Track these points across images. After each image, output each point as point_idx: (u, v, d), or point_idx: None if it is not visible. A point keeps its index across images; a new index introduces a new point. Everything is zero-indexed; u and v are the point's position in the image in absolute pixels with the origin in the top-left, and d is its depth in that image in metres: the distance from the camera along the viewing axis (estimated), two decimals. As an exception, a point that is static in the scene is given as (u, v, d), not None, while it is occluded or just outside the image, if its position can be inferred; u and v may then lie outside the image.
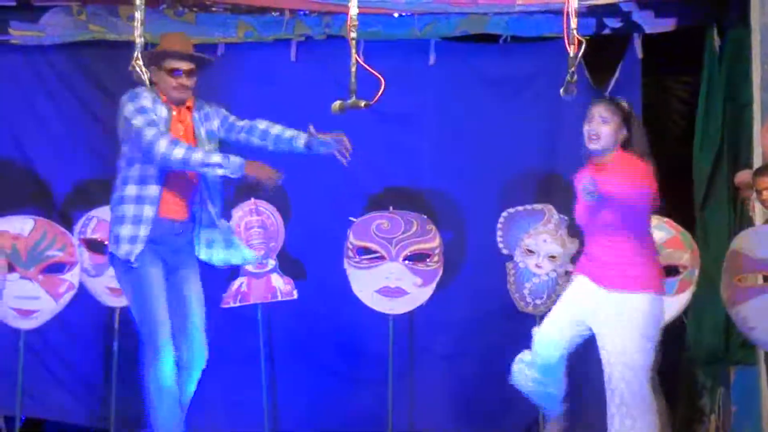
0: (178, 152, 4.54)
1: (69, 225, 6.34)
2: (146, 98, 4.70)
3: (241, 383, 6.50)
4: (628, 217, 4.67)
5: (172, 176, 4.71)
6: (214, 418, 6.45)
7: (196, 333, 4.88)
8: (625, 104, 4.80)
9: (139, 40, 4.71)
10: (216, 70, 6.56)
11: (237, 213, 6.43)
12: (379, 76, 4.40)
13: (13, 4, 6.48)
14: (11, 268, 6.06)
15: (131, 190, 4.67)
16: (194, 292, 4.92)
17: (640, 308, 4.65)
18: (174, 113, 4.81)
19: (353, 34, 4.56)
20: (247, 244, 6.35)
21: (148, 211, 4.66)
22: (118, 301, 6.19)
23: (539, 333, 4.88)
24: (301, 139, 4.94)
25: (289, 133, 5.00)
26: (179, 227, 4.80)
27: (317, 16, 6.51)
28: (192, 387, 4.90)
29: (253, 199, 6.46)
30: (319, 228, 6.60)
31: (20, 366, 6.16)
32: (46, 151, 6.62)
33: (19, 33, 6.49)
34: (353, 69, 4.54)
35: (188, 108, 4.88)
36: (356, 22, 4.54)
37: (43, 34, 6.52)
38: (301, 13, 6.50)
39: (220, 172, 4.61)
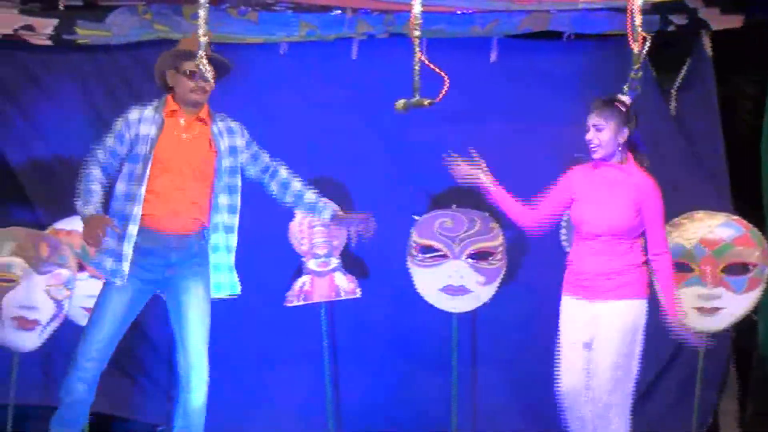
0: (82, 173, 4.82)
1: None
2: (124, 118, 4.88)
3: (305, 382, 6.52)
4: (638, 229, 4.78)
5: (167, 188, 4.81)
6: (277, 418, 6.47)
7: (193, 346, 4.88)
8: (620, 102, 4.75)
9: (203, 39, 4.72)
10: (278, 69, 6.65)
11: (299, 212, 6.44)
12: (443, 74, 4.38)
13: (80, 3, 6.55)
14: (81, 268, 6.11)
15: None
16: (194, 305, 4.92)
17: (638, 315, 4.66)
18: (182, 122, 4.87)
19: (416, 32, 4.54)
20: (310, 242, 6.37)
21: (132, 229, 4.77)
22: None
23: (564, 387, 4.88)
24: (326, 212, 5.12)
25: (311, 196, 5.12)
26: (175, 241, 4.84)
27: (379, 15, 6.49)
28: (196, 400, 4.89)
29: (316, 198, 6.47)
30: (382, 226, 6.57)
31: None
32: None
33: (85, 32, 6.54)
34: (417, 67, 4.51)
35: (201, 120, 4.89)
36: (419, 20, 4.52)
37: (109, 33, 6.56)
38: (363, 11, 6.49)
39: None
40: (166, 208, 4.83)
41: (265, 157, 5.15)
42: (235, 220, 5.07)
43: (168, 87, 5.00)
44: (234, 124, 5.08)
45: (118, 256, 4.79)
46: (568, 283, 5.06)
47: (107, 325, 4.83)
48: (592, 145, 4.88)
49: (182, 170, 4.88)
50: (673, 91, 6.54)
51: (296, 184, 5.17)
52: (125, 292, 4.82)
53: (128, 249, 4.77)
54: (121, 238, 4.76)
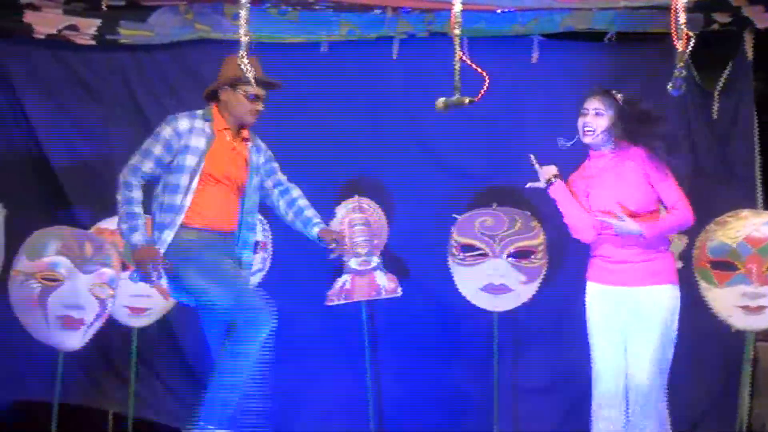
0: (117, 195, 4.75)
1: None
2: (173, 127, 4.79)
3: (346, 381, 6.53)
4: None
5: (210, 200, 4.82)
6: (319, 418, 6.49)
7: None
8: (620, 97, 4.75)
9: (244, 39, 4.74)
10: (318, 68, 6.65)
11: (340, 210, 6.46)
12: (484, 73, 4.36)
13: (123, 3, 6.60)
14: (124, 267, 6.14)
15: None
16: None
17: (674, 300, 4.64)
18: (232, 145, 4.87)
19: (457, 31, 4.53)
20: (351, 241, 6.39)
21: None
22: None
23: (597, 374, 4.84)
24: (314, 228, 5.10)
25: (309, 213, 5.13)
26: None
27: (420, 13, 6.49)
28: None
29: (356, 196, 6.49)
30: (422, 225, 6.59)
31: (132, 364, 6.28)
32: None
33: (128, 32, 6.59)
34: (457, 66, 4.50)
35: (244, 138, 4.93)
36: (460, 19, 4.51)
37: (152, 33, 6.61)
38: (404, 10, 6.49)
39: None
40: (206, 219, 4.83)
41: (280, 174, 5.19)
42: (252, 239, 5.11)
43: (214, 98, 4.97)
44: (260, 143, 5.12)
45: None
46: (596, 271, 5.01)
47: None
48: (587, 128, 4.88)
49: (225, 184, 4.90)
50: (716, 93, 6.48)
51: (301, 202, 5.18)
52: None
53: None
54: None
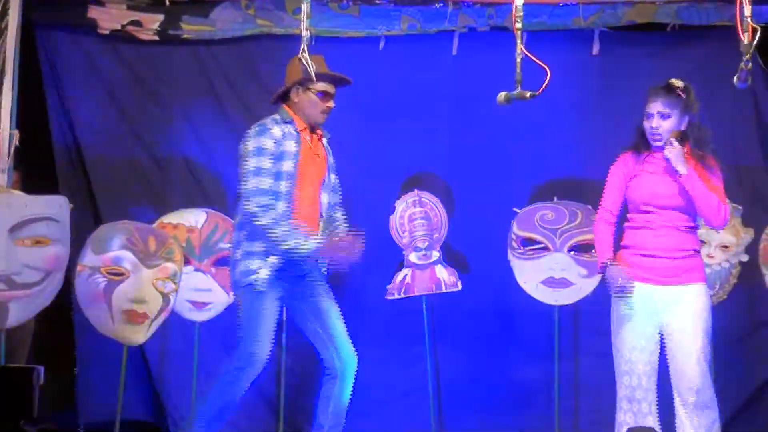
0: (264, 220, 4.62)
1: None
2: (270, 136, 4.72)
3: (407, 375, 6.54)
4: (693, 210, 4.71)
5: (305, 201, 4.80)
6: (381, 412, 6.50)
7: (343, 341, 4.86)
8: (681, 88, 4.64)
9: (305, 33, 4.75)
10: (378, 63, 6.66)
11: (400, 205, 6.46)
12: (545, 67, 4.34)
13: (185, -1, 6.68)
14: (186, 261, 6.22)
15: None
16: (329, 303, 4.92)
17: (703, 299, 4.65)
18: (309, 144, 4.85)
19: (518, 25, 4.52)
20: (411, 235, 6.39)
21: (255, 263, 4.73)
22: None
23: (627, 368, 4.78)
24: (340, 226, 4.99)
25: (339, 215, 5.08)
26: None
27: (481, 7, 6.46)
28: (348, 394, 4.88)
29: (416, 191, 6.48)
30: (482, 219, 6.58)
31: (195, 356, 6.31)
32: (218, 146, 6.77)
33: (190, 28, 6.65)
34: (518, 59, 4.49)
35: (320, 137, 4.90)
36: (521, 13, 4.49)
37: (213, 28, 6.66)
38: (465, 4, 6.47)
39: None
40: (302, 220, 4.83)
41: (334, 174, 5.12)
42: None
43: (284, 99, 4.94)
44: (327, 137, 5.10)
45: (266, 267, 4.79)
46: (627, 265, 4.90)
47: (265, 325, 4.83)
48: (654, 135, 4.78)
49: (315, 185, 4.90)
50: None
51: (337, 212, 5.14)
52: (270, 299, 4.81)
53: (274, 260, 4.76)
54: (266, 254, 4.75)
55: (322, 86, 4.81)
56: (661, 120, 4.73)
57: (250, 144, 4.73)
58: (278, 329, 6.40)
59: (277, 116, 4.85)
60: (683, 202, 4.76)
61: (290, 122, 4.83)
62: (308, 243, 4.66)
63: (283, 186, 4.74)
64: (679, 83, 4.79)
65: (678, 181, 4.72)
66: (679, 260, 4.78)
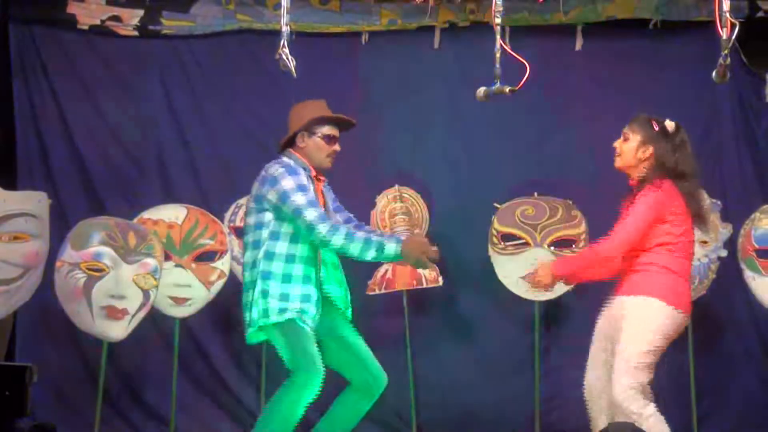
0: (337, 240, 4.49)
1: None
2: (302, 175, 4.62)
3: (387, 370, 6.52)
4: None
5: None
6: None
7: (372, 361, 4.81)
8: (657, 123, 4.59)
9: (285, 29, 4.74)
10: (359, 59, 6.66)
11: (381, 200, 6.46)
12: (525, 62, 4.34)
13: (164, -6, 6.66)
14: (167, 257, 6.20)
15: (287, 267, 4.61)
16: (348, 328, 4.86)
17: (638, 311, 4.51)
18: (319, 190, 4.75)
19: (498, 20, 4.51)
20: (392, 230, 6.39)
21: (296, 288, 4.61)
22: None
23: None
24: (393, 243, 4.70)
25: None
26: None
27: (461, 3, 6.49)
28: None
29: (397, 186, 6.49)
30: (463, 214, 6.58)
31: (175, 352, 6.31)
32: (196, 143, 6.77)
33: (170, 23, 6.65)
34: (498, 55, 4.49)
35: (320, 180, 4.82)
36: (501, 8, 4.49)
37: (193, 23, 6.67)
38: (445, -1, 6.51)
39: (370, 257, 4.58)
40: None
41: (344, 212, 4.97)
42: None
43: (290, 145, 4.78)
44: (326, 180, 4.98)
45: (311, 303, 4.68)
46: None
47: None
48: (615, 152, 4.76)
49: None
50: (767, 77, 6.42)
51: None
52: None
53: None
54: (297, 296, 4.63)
55: (327, 130, 4.72)
56: (622, 141, 4.70)
57: (290, 182, 4.57)
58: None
59: (290, 161, 4.70)
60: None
61: (306, 168, 4.71)
62: (389, 249, 4.53)
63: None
64: (668, 123, 4.70)
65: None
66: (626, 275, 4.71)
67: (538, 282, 4.66)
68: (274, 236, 4.59)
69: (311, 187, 4.63)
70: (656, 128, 4.58)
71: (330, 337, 4.73)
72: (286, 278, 4.58)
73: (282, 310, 4.55)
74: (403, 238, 4.61)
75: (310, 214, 4.51)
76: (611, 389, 4.51)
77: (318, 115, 4.68)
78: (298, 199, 4.53)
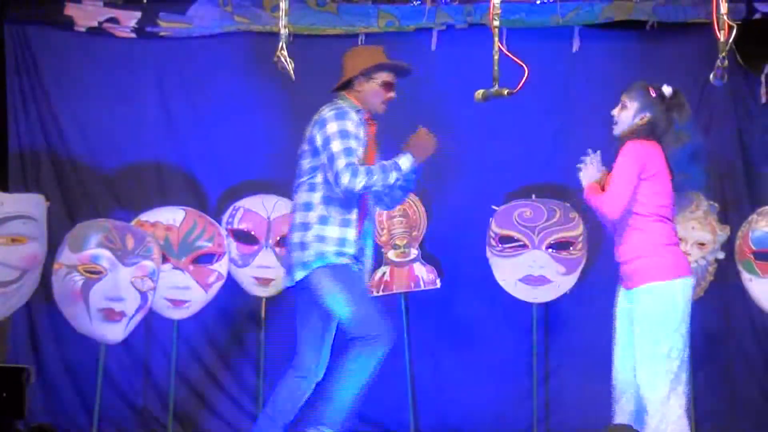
0: (360, 180, 4.48)
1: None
2: (352, 120, 4.62)
3: (384, 373, 6.51)
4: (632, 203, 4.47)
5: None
6: (358, 408, 6.48)
7: (328, 354, 4.82)
8: (655, 89, 4.59)
9: (283, 31, 4.74)
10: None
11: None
12: (523, 64, 4.35)
13: (162, -6, 6.66)
14: (164, 259, 6.19)
15: (335, 213, 4.61)
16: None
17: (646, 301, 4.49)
18: (371, 133, 4.76)
19: (496, 22, 4.52)
20: (389, 233, 6.39)
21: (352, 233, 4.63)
22: (265, 291, 6.31)
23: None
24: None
25: None
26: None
27: (459, 5, 6.50)
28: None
29: (394, 189, 6.48)
30: (461, 216, 6.58)
31: (173, 354, 6.31)
32: (193, 145, 6.77)
33: (167, 25, 6.64)
34: (496, 57, 4.49)
35: (372, 123, 4.82)
36: (499, 10, 4.50)
37: (191, 25, 6.66)
38: (443, 1, 6.49)
39: (395, 180, 4.61)
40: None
41: None
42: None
43: (344, 88, 4.79)
44: None
45: (360, 251, 4.71)
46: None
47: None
48: (613, 121, 4.75)
49: None
50: (763, 78, 6.42)
51: None
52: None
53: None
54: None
55: (385, 77, 4.74)
56: (620, 109, 4.70)
57: (334, 126, 4.59)
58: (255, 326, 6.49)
59: (343, 103, 4.72)
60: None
61: (360, 111, 4.72)
62: (403, 162, 4.62)
63: None
64: (660, 87, 4.70)
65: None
66: (630, 264, 4.70)
67: None
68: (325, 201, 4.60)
69: (360, 131, 4.63)
70: (653, 94, 4.58)
71: (317, 306, 4.67)
72: (345, 223, 4.60)
73: (339, 254, 4.56)
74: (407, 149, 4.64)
75: (340, 163, 4.51)
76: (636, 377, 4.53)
77: (378, 62, 4.70)
78: (335, 146, 4.54)
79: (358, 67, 4.72)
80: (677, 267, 4.51)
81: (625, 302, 4.64)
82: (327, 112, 4.63)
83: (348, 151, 4.54)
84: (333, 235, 4.57)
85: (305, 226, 4.60)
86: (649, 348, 4.45)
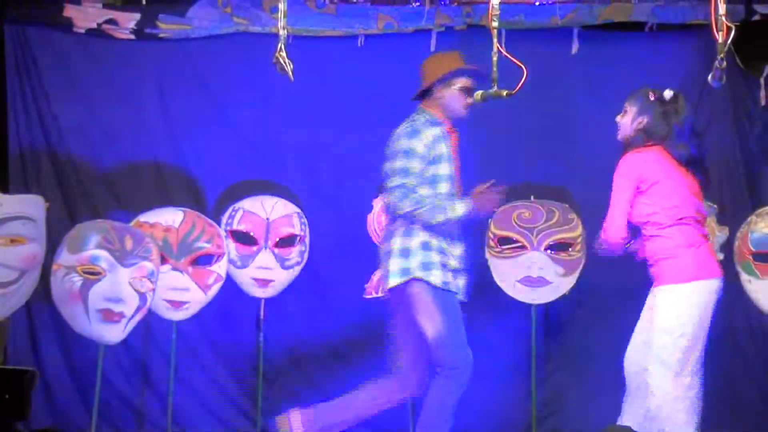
0: (406, 207, 4.53)
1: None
2: (423, 139, 4.60)
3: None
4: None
5: None
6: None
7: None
8: (654, 93, 4.59)
9: (282, 32, 4.74)
10: (355, 62, 6.66)
11: (378, 203, 6.45)
12: (522, 66, 4.36)
13: (161, -3, 6.66)
14: (163, 260, 6.19)
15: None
16: None
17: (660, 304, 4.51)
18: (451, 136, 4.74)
19: (495, 23, 4.53)
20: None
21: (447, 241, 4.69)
22: (264, 292, 6.31)
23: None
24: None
25: None
26: None
27: (458, 6, 6.53)
28: None
29: (393, 190, 6.48)
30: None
31: (172, 356, 6.30)
32: (192, 146, 6.77)
33: (167, 26, 6.65)
34: (495, 58, 4.50)
35: (454, 132, 4.80)
36: (498, 11, 4.51)
37: (190, 27, 6.67)
38: (442, 2, 6.52)
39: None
40: None
41: None
42: None
43: (424, 96, 4.81)
44: None
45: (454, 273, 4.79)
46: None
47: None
48: (618, 127, 4.76)
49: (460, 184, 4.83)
50: (762, 80, 6.43)
51: None
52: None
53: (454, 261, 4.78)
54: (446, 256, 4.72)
55: (464, 81, 4.73)
56: (621, 115, 4.72)
57: (403, 143, 4.62)
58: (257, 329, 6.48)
59: (422, 117, 4.72)
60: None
61: (438, 124, 4.71)
62: (458, 207, 4.63)
63: (442, 188, 4.67)
64: (666, 92, 4.70)
65: None
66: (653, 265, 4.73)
67: None
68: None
69: (439, 146, 4.64)
70: (652, 98, 4.59)
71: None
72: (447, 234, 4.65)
73: (444, 265, 4.66)
74: (471, 198, 4.64)
75: (394, 181, 4.56)
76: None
77: (456, 67, 4.69)
78: (396, 163, 4.58)
79: (437, 73, 4.72)
80: (699, 269, 4.51)
81: (651, 298, 4.67)
82: (402, 128, 4.67)
83: (405, 171, 4.56)
84: (436, 244, 4.64)
85: (406, 232, 4.64)
86: (660, 350, 4.47)
